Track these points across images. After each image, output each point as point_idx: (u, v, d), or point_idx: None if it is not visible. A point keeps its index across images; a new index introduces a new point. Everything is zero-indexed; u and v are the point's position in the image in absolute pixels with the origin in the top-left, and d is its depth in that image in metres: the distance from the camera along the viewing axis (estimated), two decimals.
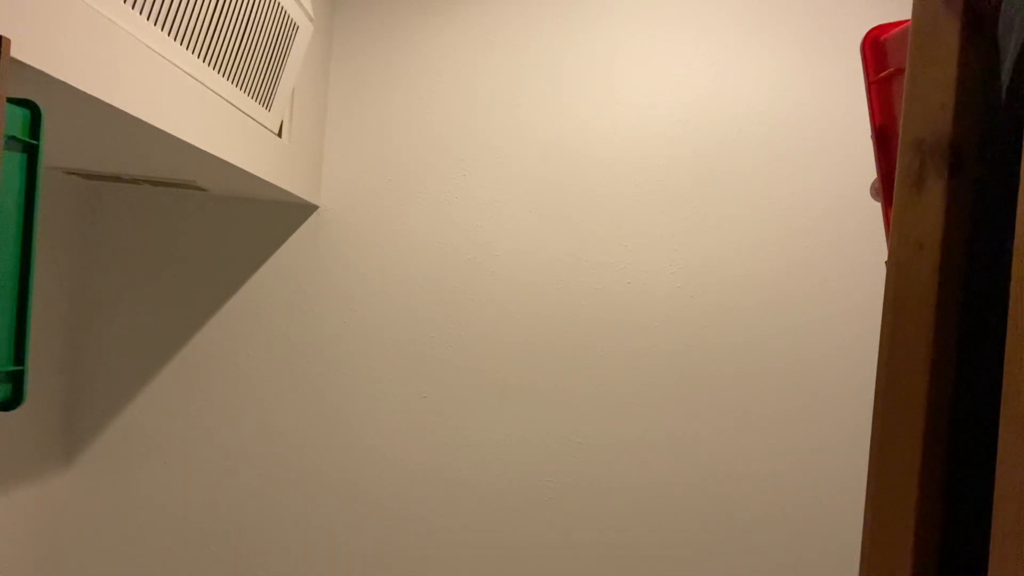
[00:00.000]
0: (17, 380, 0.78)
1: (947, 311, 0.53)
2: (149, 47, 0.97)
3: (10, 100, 0.74)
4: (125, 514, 1.79)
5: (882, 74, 0.78)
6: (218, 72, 1.16)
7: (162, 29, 0.99)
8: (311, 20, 1.39)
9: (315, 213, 1.78)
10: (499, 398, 1.76)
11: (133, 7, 0.92)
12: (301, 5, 1.32)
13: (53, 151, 1.30)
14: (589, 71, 1.75)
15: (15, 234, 0.76)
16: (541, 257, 1.75)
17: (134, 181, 1.65)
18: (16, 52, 0.71)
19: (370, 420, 1.77)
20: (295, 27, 1.34)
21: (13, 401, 0.78)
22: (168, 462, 1.79)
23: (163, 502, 1.79)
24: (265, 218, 1.79)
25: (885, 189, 0.78)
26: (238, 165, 1.28)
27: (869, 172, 0.84)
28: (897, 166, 0.57)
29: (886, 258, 0.57)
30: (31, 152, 0.77)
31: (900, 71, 0.73)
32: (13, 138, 0.75)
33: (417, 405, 1.77)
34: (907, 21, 0.61)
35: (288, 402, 1.78)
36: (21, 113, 0.76)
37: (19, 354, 0.77)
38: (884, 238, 0.68)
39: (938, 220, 0.54)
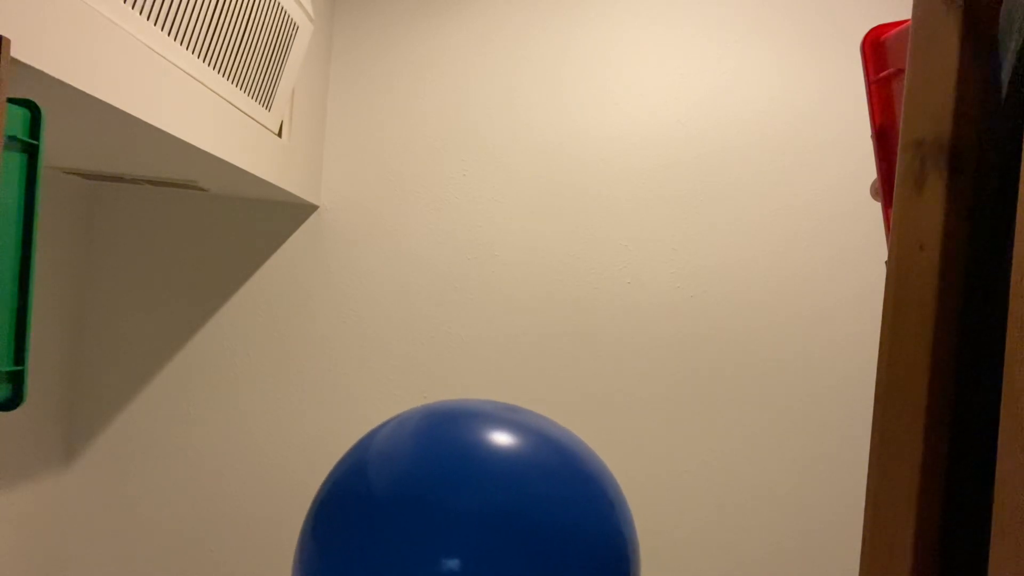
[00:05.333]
0: (17, 380, 0.78)
1: (947, 311, 0.53)
2: (149, 47, 0.97)
3: (10, 100, 0.74)
4: (125, 514, 1.79)
5: (882, 74, 0.78)
6: (218, 72, 1.16)
7: (162, 29, 0.99)
8: (311, 20, 1.39)
9: (315, 213, 1.78)
10: (499, 398, 1.76)
11: (133, 7, 0.92)
12: (301, 5, 1.32)
13: (53, 151, 1.30)
14: (589, 70, 1.75)
15: (15, 234, 0.76)
16: (541, 257, 1.75)
17: (134, 181, 1.65)
18: (16, 52, 0.71)
19: (370, 420, 1.77)
20: (295, 27, 1.34)
21: (13, 401, 0.78)
22: (168, 462, 1.79)
23: (163, 502, 1.79)
24: (265, 218, 1.79)
25: (885, 189, 0.78)
26: (238, 165, 1.28)
27: (869, 172, 0.84)
28: (897, 166, 0.57)
29: (886, 258, 0.57)
30: (31, 152, 0.77)
31: (900, 71, 0.73)
32: (13, 138, 0.75)
33: (417, 405, 1.76)
34: (907, 21, 0.61)
35: (288, 402, 1.78)
36: (21, 113, 0.76)
37: (19, 354, 0.77)
38: (884, 238, 0.68)
39: (938, 220, 0.54)
